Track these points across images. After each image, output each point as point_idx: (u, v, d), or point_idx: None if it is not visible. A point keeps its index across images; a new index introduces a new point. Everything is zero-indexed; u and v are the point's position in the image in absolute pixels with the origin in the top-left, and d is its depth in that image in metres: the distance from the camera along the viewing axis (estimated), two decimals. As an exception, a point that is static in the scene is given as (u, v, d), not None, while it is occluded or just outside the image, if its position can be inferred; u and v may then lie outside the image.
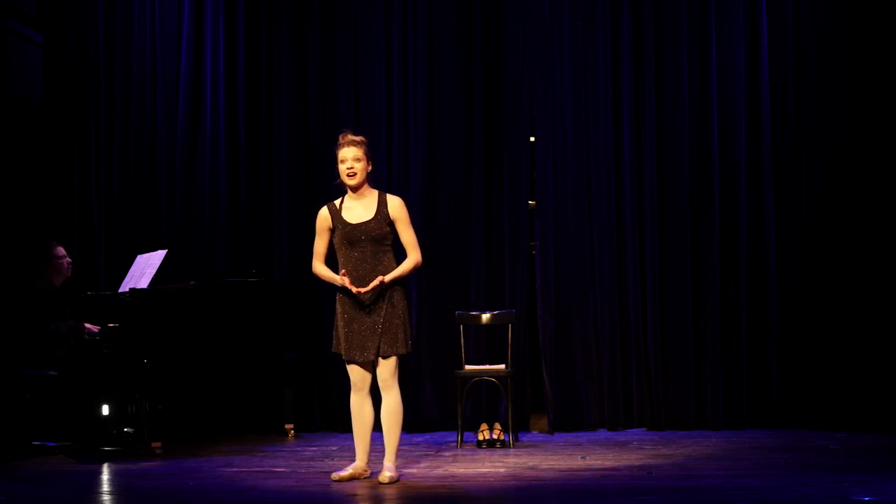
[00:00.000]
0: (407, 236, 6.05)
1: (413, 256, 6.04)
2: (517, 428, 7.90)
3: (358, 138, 6.08)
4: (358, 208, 6.03)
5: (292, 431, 8.20)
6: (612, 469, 6.31)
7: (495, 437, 7.65)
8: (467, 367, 7.85)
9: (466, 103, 8.80)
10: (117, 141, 8.74)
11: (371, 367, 6.02)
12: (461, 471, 6.41)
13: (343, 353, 6.02)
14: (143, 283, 7.58)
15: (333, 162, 8.80)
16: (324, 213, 6.09)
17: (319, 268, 6.09)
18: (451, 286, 8.72)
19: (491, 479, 6.06)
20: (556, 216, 8.63)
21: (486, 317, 7.99)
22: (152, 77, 8.88)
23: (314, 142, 8.92)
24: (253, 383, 8.71)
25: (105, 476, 6.51)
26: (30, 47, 8.23)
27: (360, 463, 6.05)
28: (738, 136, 8.55)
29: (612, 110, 8.65)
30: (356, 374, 6.04)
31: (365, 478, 6.03)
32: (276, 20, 8.99)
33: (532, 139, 8.77)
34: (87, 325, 7.61)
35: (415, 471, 6.41)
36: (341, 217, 6.02)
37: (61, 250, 7.80)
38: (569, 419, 8.44)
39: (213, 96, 8.89)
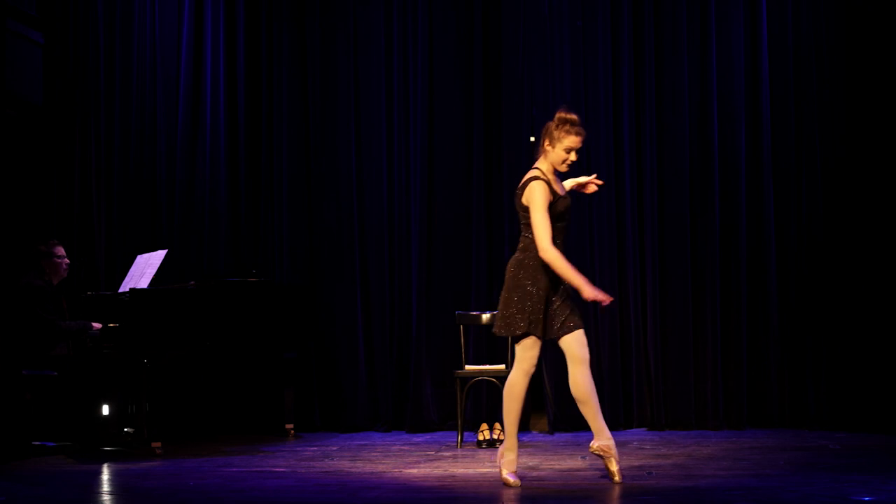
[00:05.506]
0: None
1: None
2: (517, 428, 7.90)
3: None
4: (557, 183, 5.75)
5: (292, 431, 8.20)
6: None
7: (495, 437, 7.65)
8: (467, 367, 7.85)
9: (466, 103, 8.80)
10: (117, 141, 8.75)
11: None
12: (461, 471, 6.41)
13: (540, 332, 5.64)
14: (143, 283, 7.58)
15: (333, 161, 8.93)
16: (543, 185, 5.64)
17: (560, 258, 5.58)
18: (451, 286, 8.73)
19: (491, 479, 6.06)
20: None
21: (486, 317, 7.98)
22: (152, 77, 8.88)
23: (314, 142, 8.92)
24: (253, 383, 8.72)
25: (105, 476, 6.52)
26: (30, 47, 8.24)
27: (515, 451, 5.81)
28: (738, 136, 8.55)
29: (612, 110, 8.65)
30: (537, 353, 5.71)
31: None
32: (276, 20, 8.99)
33: (532, 139, 8.77)
34: (95, 324, 7.62)
35: (415, 471, 6.41)
36: (555, 190, 5.69)
37: (62, 250, 7.81)
38: (569, 419, 8.44)
39: (213, 96, 8.89)
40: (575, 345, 5.68)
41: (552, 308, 5.69)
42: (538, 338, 5.69)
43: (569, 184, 6.03)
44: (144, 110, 8.86)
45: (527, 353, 5.71)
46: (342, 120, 8.91)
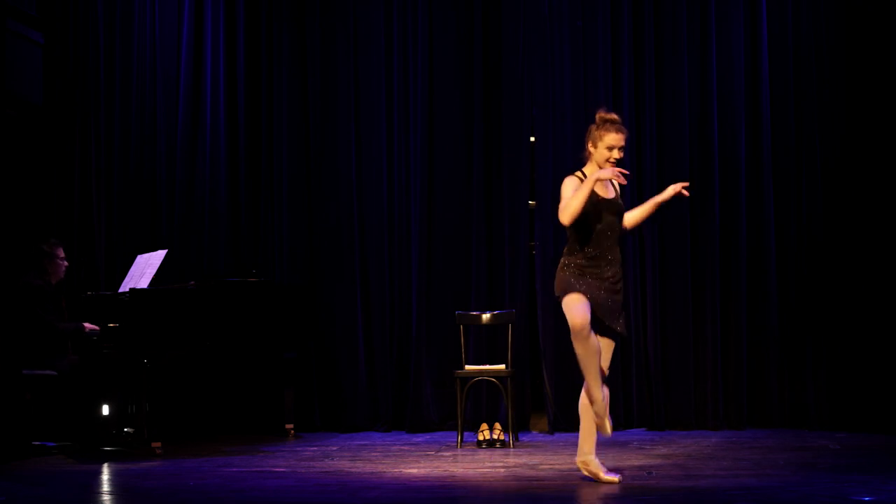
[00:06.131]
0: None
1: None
2: (517, 428, 7.90)
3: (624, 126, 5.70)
4: (603, 187, 5.67)
5: (292, 431, 8.20)
6: (613, 469, 6.30)
7: (495, 437, 7.65)
8: (467, 367, 7.85)
9: (466, 103, 8.80)
10: (117, 141, 8.75)
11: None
12: (461, 471, 6.41)
13: (583, 291, 5.56)
14: (143, 283, 7.58)
15: (333, 161, 8.93)
16: (575, 180, 5.64)
17: (574, 197, 5.50)
18: (451, 286, 8.73)
19: (491, 479, 6.06)
20: (556, 216, 8.61)
21: (486, 317, 7.98)
22: (152, 77, 8.88)
23: (314, 142, 8.93)
24: (253, 383, 8.72)
25: (105, 476, 6.52)
26: (30, 47, 8.24)
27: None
28: (738, 136, 8.55)
29: (612, 110, 8.62)
30: (583, 312, 5.52)
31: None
32: (276, 20, 8.99)
33: (532, 139, 8.77)
34: (87, 325, 7.62)
35: (415, 471, 6.42)
36: (593, 190, 5.59)
37: (62, 252, 7.82)
38: (569, 419, 8.42)
39: (213, 96, 8.89)
40: (611, 354, 5.70)
41: (600, 305, 5.59)
42: (581, 294, 5.54)
43: (652, 203, 5.84)
44: (144, 110, 8.86)
45: (570, 311, 5.55)
46: (342, 120, 8.91)
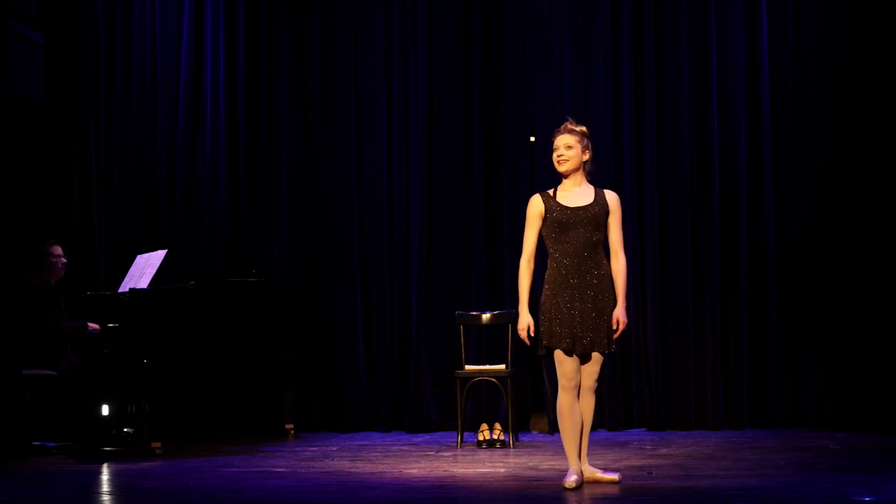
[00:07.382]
0: (617, 234, 5.68)
1: (622, 259, 5.68)
2: (517, 428, 7.90)
3: (576, 128, 5.70)
4: (574, 195, 5.67)
5: (292, 431, 8.20)
6: (612, 469, 6.30)
7: (495, 437, 7.65)
8: (467, 367, 7.85)
9: (466, 103, 8.81)
10: (117, 141, 8.75)
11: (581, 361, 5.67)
12: (461, 471, 6.41)
13: (567, 345, 5.56)
14: (143, 283, 7.58)
15: (333, 161, 8.95)
16: (536, 199, 5.70)
17: (526, 273, 5.68)
18: (451, 286, 8.73)
19: (491, 479, 6.06)
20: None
21: (486, 317, 7.98)
22: (152, 77, 8.88)
23: (314, 142, 8.93)
24: (253, 383, 8.72)
25: (105, 476, 6.52)
26: (30, 47, 8.23)
27: (579, 466, 5.73)
28: (738, 136, 8.55)
29: (612, 110, 8.66)
30: (572, 367, 5.61)
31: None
32: (276, 20, 8.99)
33: (532, 139, 8.78)
34: (90, 324, 7.62)
35: (415, 471, 6.42)
36: (556, 201, 5.64)
37: (59, 249, 7.81)
38: (569, 419, 8.43)
39: (213, 96, 8.89)
40: (597, 367, 5.69)
41: (582, 322, 5.59)
42: (565, 352, 5.60)
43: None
44: (144, 110, 8.86)
45: (560, 367, 5.63)
46: (342, 120, 8.91)
